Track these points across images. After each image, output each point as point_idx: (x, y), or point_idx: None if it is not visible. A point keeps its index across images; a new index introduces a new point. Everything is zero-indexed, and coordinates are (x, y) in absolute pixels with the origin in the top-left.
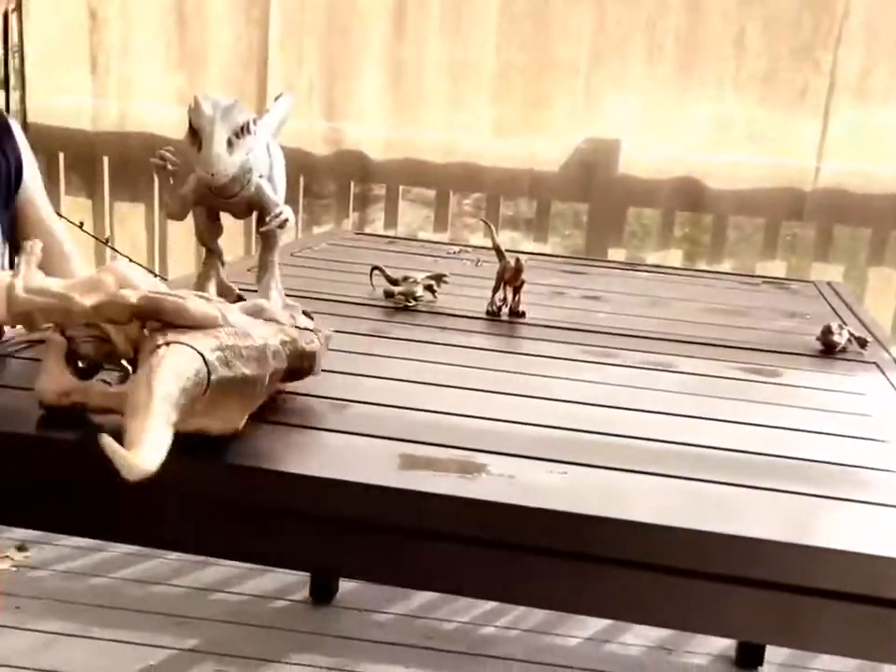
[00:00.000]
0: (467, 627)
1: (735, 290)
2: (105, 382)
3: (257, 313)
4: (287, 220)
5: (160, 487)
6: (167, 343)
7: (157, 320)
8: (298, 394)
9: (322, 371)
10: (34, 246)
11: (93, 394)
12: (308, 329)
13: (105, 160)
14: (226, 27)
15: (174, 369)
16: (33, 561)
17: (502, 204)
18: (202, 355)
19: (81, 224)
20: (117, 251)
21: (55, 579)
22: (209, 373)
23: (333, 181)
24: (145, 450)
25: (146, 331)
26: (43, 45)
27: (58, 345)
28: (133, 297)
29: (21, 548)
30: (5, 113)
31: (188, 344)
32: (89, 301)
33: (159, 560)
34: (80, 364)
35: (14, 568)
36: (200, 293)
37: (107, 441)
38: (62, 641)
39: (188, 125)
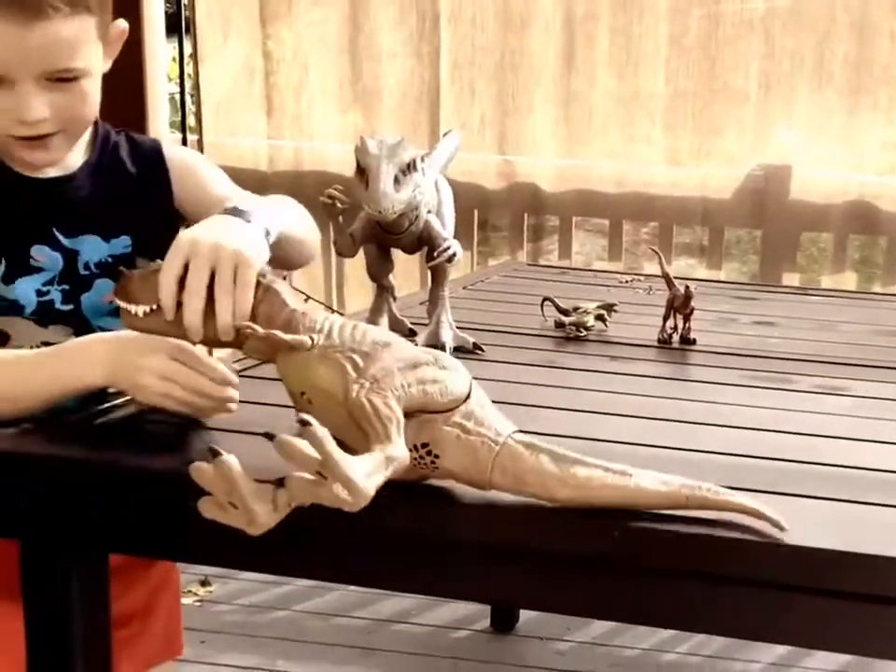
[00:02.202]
0: (649, 653)
1: None
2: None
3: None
4: (454, 255)
5: (346, 523)
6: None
7: None
8: None
9: (493, 402)
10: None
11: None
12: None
13: None
14: (398, 64)
15: None
16: (216, 595)
17: (676, 232)
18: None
19: None
20: (296, 289)
21: (238, 613)
22: None
23: (507, 214)
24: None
25: None
26: (219, 87)
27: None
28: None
29: (204, 583)
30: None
31: None
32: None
33: (340, 592)
34: None
35: (198, 603)
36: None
37: None
38: None
39: (355, 164)
